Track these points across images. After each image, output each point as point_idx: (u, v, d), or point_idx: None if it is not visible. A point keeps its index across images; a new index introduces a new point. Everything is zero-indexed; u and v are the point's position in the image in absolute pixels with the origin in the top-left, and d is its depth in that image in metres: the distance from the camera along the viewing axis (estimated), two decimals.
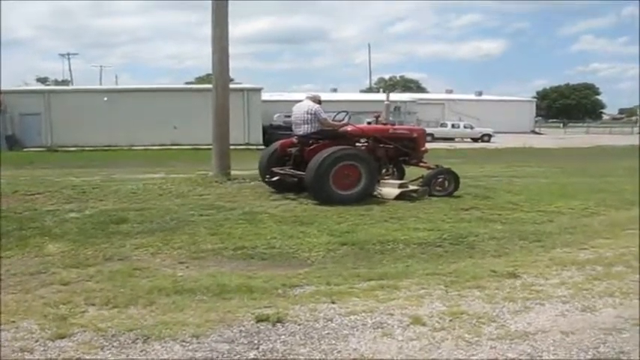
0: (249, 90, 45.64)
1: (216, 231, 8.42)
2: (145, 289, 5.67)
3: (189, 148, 34.95)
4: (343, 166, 11.14)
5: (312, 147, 11.69)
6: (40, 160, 28.19)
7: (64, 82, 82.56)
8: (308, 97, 12.28)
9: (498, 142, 49.07)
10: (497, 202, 11.45)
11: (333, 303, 5.29)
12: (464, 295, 5.55)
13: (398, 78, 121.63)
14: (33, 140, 42.17)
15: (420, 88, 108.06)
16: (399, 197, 11.40)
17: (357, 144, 12.49)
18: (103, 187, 12.87)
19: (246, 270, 6.56)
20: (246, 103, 43.73)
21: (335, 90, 79.81)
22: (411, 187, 12.06)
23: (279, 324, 4.75)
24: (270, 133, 42.22)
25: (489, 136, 54.16)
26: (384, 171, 12.66)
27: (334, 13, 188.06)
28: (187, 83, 63.76)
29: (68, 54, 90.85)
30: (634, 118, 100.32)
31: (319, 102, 12.17)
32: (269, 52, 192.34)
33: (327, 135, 11.86)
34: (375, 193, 11.68)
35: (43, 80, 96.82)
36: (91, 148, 38.23)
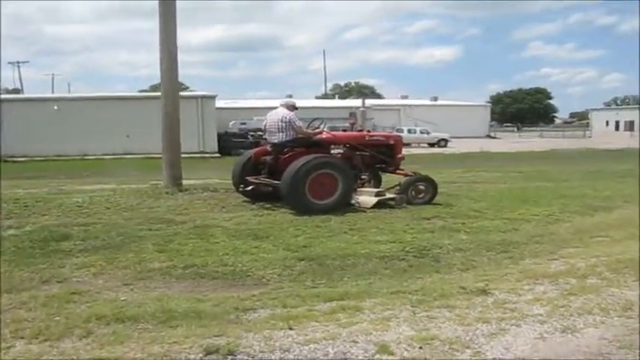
0: (202, 97, 44.89)
1: (164, 247, 7.89)
2: (82, 317, 5.10)
3: (143, 157, 34.14)
4: (319, 175, 10.93)
5: (287, 155, 11.46)
6: None
7: (15, 91, 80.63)
8: (282, 105, 12.04)
9: (455, 146, 49.08)
10: (460, 209, 11.09)
11: (291, 329, 4.79)
12: (433, 317, 5.10)
13: (353, 84, 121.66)
14: None
15: (375, 94, 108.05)
16: (376, 206, 11.09)
17: (333, 151, 12.26)
18: (48, 200, 12.18)
19: (196, 292, 6.04)
20: (201, 111, 43.00)
21: (290, 96, 79.20)
22: (389, 195, 11.76)
23: (230, 356, 4.24)
24: (226, 140, 41.66)
25: (446, 141, 54.14)
26: (360, 179, 12.38)
27: (288, 20, 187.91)
28: (142, 91, 62.71)
29: (18, 62, 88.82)
30: (585, 121, 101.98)
31: (295, 108, 12.00)
32: (224, 59, 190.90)
33: (302, 143, 11.65)
34: (352, 201, 11.39)
35: None
36: (42, 158, 37.18)
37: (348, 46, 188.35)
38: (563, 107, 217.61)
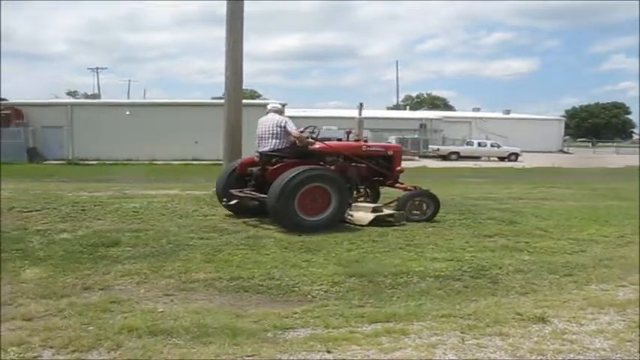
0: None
1: (212, 257, 7.71)
2: (115, 328, 4.93)
3: (211, 163, 34.38)
4: (310, 189, 9.99)
5: (275, 166, 10.52)
6: (60, 174, 27.81)
7: (94, 96, 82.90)
8: (273, 110, 11.12)
9: (526, 161, 47.98)
10: (524, 227, 10.59)
11: (329, 352, 4.52)
12: (483, 345, 4.73)
13: (425, 95, 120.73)
14: (54, 153, 42.08)
15: (447, 106, 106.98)
16: (372, 223, 10.28)
17: (326, 163, 11.24)
18: (106, 204, 12.18)
19: (237, 306, 5.80)
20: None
21: (362, 105, 79.13)
22: (387, 212, 10.89)
23: None
24: None
25: (516, 155, 52.96)
26: (356, 193, 11.71)
27: (364, 30, 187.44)
28: (215, 98, 63.39)
29: (97, 68, 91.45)
30: None
31: (282, 113, 11.18)
32: (298, 68, 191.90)
33: (292, 153, 10.73)
34: (347, 218, 10.57)
35: (72, 94, 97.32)
36: (112, 162, 37.95)
37: (422, 57, 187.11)
38: None
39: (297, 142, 10.77)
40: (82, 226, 9.61)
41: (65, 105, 47.89)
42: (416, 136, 56.99)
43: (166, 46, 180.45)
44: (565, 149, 72.03)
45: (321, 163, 10.93)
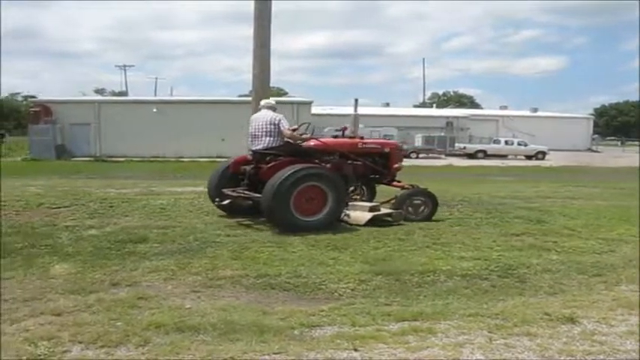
0: (299, 103, 45.40)
1: (239, 254, 7.73)
2: (142, 324, 4.97)
3: None
4: (306, 188, 9.67)
5: (269, 165, 10.21)
6: (87, 170, 28.11)
7: (121, 94, 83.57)
8: (266, 107, 10.85)
9: (553, 160, 47.59)
10: (552, 226, 10.48)
11: (356, 350, 4.51)
12: (511, 345, 4.69)
13: (452, 93, 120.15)
14: (82, 150, 42.56)
15: (474, 104, 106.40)
16: (370, 223, 10.04)
17: (322, 161, 10.98)
18: (134, 201, 12.31)
19: (264, 303, 5.80)
20: (296, 117, 43.33)
21: (387, 104, 79.19)
22: (384, 211, 10.67)
23: None
24: None
25: (544, 153, 52.56)
26: (352, 190, 11.39)
27: (392, 27, 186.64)
28: (241, 96, 63.73)
29: (124, 66, 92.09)
30: None
31: (275, 110, 10.85)
32: (325, 66, 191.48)
33: (286, 151, 10.43)
34: (343, 217, 10.31)
35: (100, 91, 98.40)
36: (139, 159, 38.25)
37: (448, 55, 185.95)
38: None
39: (289, 140, 10.55)
40: (110, 223, 9.71)
41: (93, 102, 48.51)
42: (442, 134, 56.78)
43: (193, 44, 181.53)
44: (593, 148, 71.28)
45: (317, 161, 10.75)
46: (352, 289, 6.35)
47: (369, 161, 11.48)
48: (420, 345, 4.66)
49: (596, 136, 78.38)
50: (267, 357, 4.31)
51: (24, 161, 39.48)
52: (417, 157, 50.16)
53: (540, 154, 52.49)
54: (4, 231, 8.83)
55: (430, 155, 51.79)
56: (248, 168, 10.54)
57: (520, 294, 6.31)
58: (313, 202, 9.81)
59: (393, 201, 11.34)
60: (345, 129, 12.47)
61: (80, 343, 4.57)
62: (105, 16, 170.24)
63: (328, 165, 10.90)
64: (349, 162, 11.22)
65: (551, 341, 4.80)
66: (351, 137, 11.97)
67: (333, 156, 11.14)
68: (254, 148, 10.55)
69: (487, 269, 7.22)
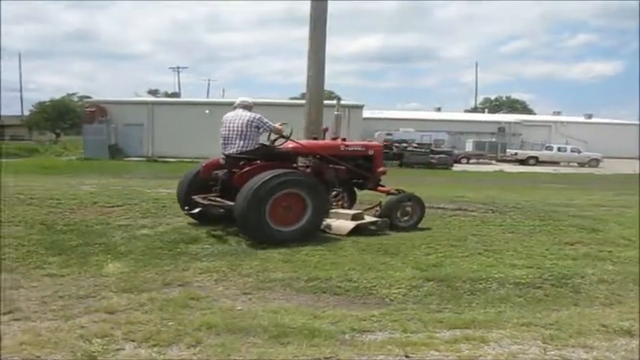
0: (350, 107, 45.39)
1: (290, 257, 7.72)
2: (194, 324, 5.03)
3: None
4: (283, 195, 8.81)
5: (243, 170, 9.20)
6: (139, 170, 28.51)
7: (174, 95, 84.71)
8: (241, 106, 9.86)
9: (607, 167, 46.70)
10: (607, 235, 10.23)
11: (407, 357, 4.49)
12: (566, 357, 4.60)
13: (504, 98, 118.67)
14: (135, 150, 43.29)
15: (526, 109, 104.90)
16: (353, 232, 9.34)
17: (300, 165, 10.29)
18: None
19: (315, 307, 5.82)
20: (347, 120, 43.42)
21: (439, 109, 78.81)
22: (368, 219, 9.94)
23: None
24: None
25: (597, 161, 51.66)
26: (334, 196, 10.68)
27: (445, 31, 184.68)
28: (292, 99, 64.12)
29: (178, 68, 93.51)
30: None
31: (251, 109, 9.88)
32: (376, 70, 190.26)
33: (262, 155, 9.50)
34: (324, 226, 9.54)
35: (153, 92, 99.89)
36: (190, 160, 38.59)
37: (501, 59, 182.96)
38: None
39: (272, 133, 9.82)
40: (162, 223, 9.81)
41: (146, 103, 49.26)
42: (493, 139, 56.25)
43: (245, 46, 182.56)
44: None
45: (295, 165, 10.05)
46: (403, 295, 6.31)
47: (351, 164, 10.70)
48: (472, 354, 4.61)
49: None
50: None
51: (78, 160, 40.36)
52: (468, 163, 49.82)
53: (594, 162, 51.59)
54: (60, 228, 9.00)
55: (480, 161, 51.38)
56: (220, 173, 9.58)
57: (575, 304, 6.21)
58: (291, 211, 8.98)
59: (377, 208, 10.69)
60: (326, 130, 11.73)
61: (133, 341, 4.65)
62: (159, 18, 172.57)
63: (307, 169, 10.19)
64: (331, 166, 10.43)
65: (609, 354, 4.70)
66: (333, 139, 11.27)
67: (312, 159, 10.44)
68: (226, 152, 9.55)
69: (540, 278, 7.08)
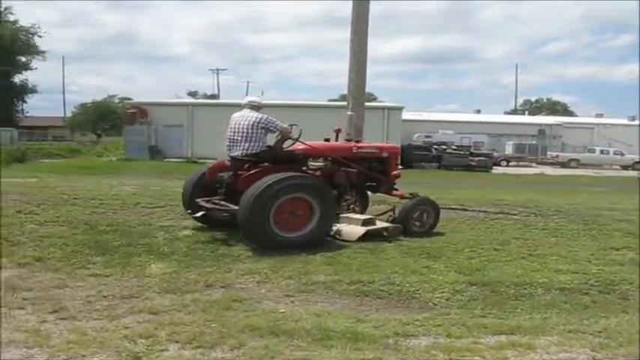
0: (389, 108, 45.36)
1: (332, 260, 7.69)
2: (238, 326, 5.04)
3: None
4: (289, 200, 8.47)
5: (249, 172, 8.89)
6: (179, 171, 28.68)
7: (213, 96, 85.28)
8: (249, 107, 9.48)
9: None
10: None
11: None
12: None
13: (545, 100, 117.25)
14: (174, 151, 43.63)
15: (567, 112, 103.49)
16: (362, 238, 8.97)
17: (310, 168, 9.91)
18: None
19: (358, 310, 5.79)
20: (386, 122, 43.38)
21: (478, 111, 78.03)
22: (380, 225, 9.57)
23: None
24: (408, 152, 41.33)
25: None
26: (345, 200, 10.26)
27: (484, 32, 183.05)
28: (331, 100, 64.22)
29: (217, 69, 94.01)
30: None
31: (259, 109, 9.53)
32: (415, 71, 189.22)
33: (269, 157, 9.17)
34: (334, 232, 9.18)
35: (193, 94, 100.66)
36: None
37: (542, 60, 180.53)
38: None
39: (280, 135, 9.45)
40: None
41: (186, 105, 49.70)
42: (534, 142, 55.59)
43: (284, 47, 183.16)
44: None
45: (304, 168, 9.62)
46: (447, 299, 6.25)
47: (364, 167, 10.33)
48: None
49: None
50: None
51: (118, 161, 40.86)
52: (507, 165, 49.36)
53: (637, 165, 50.72)
54: (103, 229, 9.10)
55: (520, 163, 50.86)
56: (225, 175, 9.25)
57: (623, 311, 6.05)
58: (297, 217, 8.62)
59: (390, 213, 10.30)
60: (339, 131, 11.04)
61: (176, 342, 4.67)
62: (199, 19, 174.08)
63: (317, 173, 9.77)
64: (342, 169, 10.07)
65: None
66: (347, 140, 10.99)
67: (322, 162, 10.23)
68: (231, 154, 9.27)
69: (587, 284, 6.96)
